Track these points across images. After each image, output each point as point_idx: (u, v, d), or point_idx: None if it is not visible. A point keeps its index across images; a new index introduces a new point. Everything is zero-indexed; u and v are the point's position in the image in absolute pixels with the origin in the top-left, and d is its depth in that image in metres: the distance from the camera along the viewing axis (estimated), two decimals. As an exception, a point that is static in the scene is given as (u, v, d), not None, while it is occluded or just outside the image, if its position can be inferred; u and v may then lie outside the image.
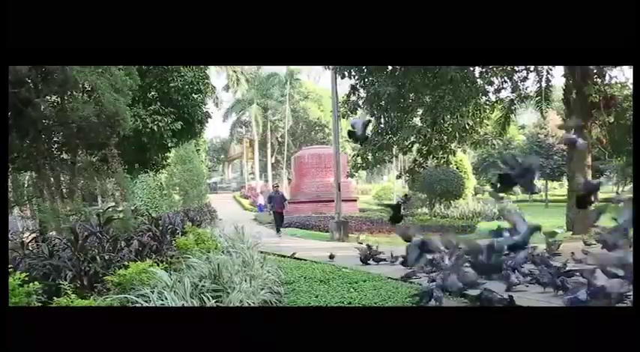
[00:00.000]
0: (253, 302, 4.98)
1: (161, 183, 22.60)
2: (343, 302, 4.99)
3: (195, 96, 8.71)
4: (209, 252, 5.79)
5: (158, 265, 5.43)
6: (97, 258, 5.09)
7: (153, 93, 8.09)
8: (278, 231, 15.39)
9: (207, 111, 10.07)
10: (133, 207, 17.66)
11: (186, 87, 8.25)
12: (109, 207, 6.42)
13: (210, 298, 4.64)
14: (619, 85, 12.71)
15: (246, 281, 5.57)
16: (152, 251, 5.92)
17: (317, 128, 40.68)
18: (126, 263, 5.30)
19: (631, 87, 16.31)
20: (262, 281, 5.92)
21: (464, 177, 25.00)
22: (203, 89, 8.93)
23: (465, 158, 27.40)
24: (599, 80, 12.01)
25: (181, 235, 6.53)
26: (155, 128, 7.80)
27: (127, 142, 7.86)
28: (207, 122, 10.15)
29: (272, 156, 43.27)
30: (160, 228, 6.24)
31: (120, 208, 6.53)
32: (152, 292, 4.33)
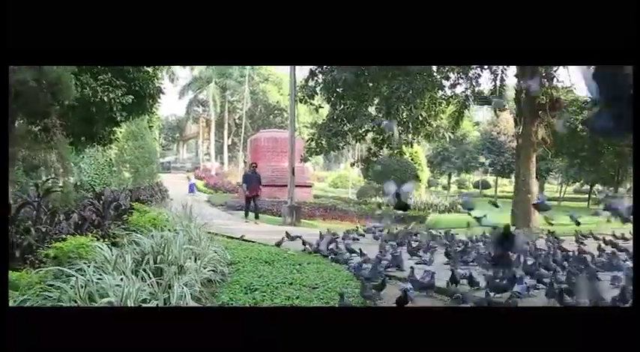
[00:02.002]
0: (196, 280, 4.97)
1: (111, 159, 21.83)
2: (285, 283, 5.06)
3: (147, 68, 8.42)
4: (155, 230, 5.69)
5: (99, 240, 5.31)
6: (32, 229, 4.91)
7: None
8: (257, 217, 14.20)
9: (159, 87, 9.73)
10: (78, 182, 17.04)
11: (138, 58, 7.95)
12: (48, 179, 6.17)
13: (152, 275, 4.58)
14: (565, 89, 13.30)
15: (191, 259, 5.54)
16: (93, 225, 5.76)
17: (276, 112, 40.41)
18: (64, 236, 5.15)
19: (575, 92, 17.18)
20: (208, 259, 5.91)
21: (418, 169, 25.60)
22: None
23: (419, 150, 28.00)
24: (546, 83, 12.52)
25: (128, 212, 6.38)
26: (105, 99, 7.48)
27: (73, 113, 7.52)
28: (159, 97, 9.81)
29: (229, 137, 42.65)
30: (102, 202, 6.06)
31: (61, 181, 6.28)
32: (89, 266, 4.23)
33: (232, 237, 9.02)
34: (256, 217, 14.27)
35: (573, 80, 17.34)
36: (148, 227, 5.64)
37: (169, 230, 6.23)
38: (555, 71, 13.48)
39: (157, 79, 9.74)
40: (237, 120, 41.95)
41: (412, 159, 25.28)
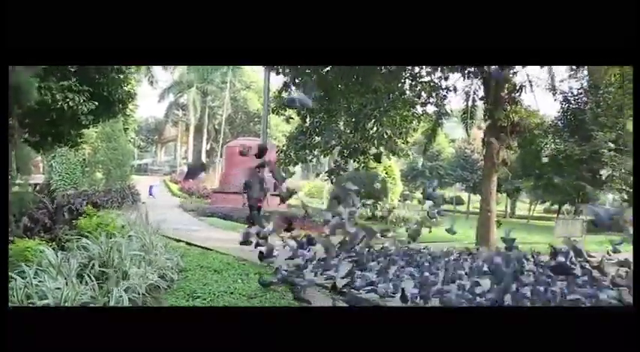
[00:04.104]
0: (140, 286, 5.10)
1: (84, 159, 21.66)
2: (227, 292, 5.24)
3: (115, 75, 8.51)
4: (104, 235, 5.80)
5: (48, 243, 5.41)
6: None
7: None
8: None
9: (130, 91, 9.84)
10: (47, 182, 16.81)
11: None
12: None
13: (94, 278, 4.71)
14: (527, 113, 13.81)
15: (139, 265, 5.66)
16: (44, 229, 5.85)
17: (256, 119, 40.45)
18: (12, 239, 5.23)
19: (540, 116, 17.79)
20: (159, 267, 6.03)
21: (391, 183, 26.00)
22: (124, 69, 8.74)
23: (393, 164, 28.40)
24: (509, 107, 13.00)
25: (81, 216, 6.47)
26: (65, 106, 7.51)
27: (37, 114, 7.60)
28: (129, 102, 9.94)
29: (208, 142, 42.53)
30: (55, 206, 6.15)
31: (17, 180, 6.34)
32: (30, 269, 4.35)
33: (191, 244, 9.13)
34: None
35: (540, 104, 17.96)
36: (95, 233, 5.75)
37: (122, 236, 6.35)
38: (519, 95, 14.00)
39: (127, 83, 9.82)
40: (216, 126, 41.88)
41: (386, 173, 25.70)
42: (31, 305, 4.05)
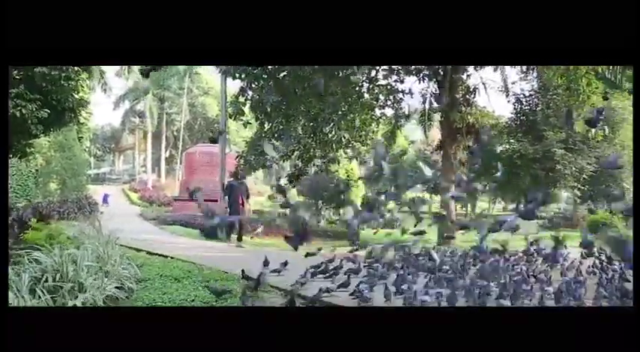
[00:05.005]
0: (97, 297, 4.99)
1: (36, 170, 20.85)
2: (187, 300, 5.19)
3: (65, 83, 8.24)
4: (57, 247, 5.63)
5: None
6: None
7: (15, 71, 7.48)
8: (240, 238, 11.64)
9: (81, 99, 9.56)
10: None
11: (53, 73, 7.76)
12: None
13: (46, 293, 4.58)
14: (481, 114, 14.29)
15: (96, 277, 5.52)
16: (-9, 243, 5.61)
17: (215, 125, 40.03)
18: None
19: (494, 117, 18.44)
20: (116, 277, 5.90)
21: (352, 185, 26.31)
22: (74, 77, 8.48)
23: (355, 167, 28.75)
24: (463, 108, 13.43)
25: (29, 230, 6.25)
26: (17, 114, 7.25)
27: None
28: (80, 110, 9.66)
29: (166, 150, 41.72)
30: None
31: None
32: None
33: (151, 253, 8.95)
34: (239, 239, 11.81)
35: (495, 105, 18.71)
36: (46, 245, 5.59)
37: (77, 247, 6.18)
38: (473, 97, 14.49)
39: (78, 91, 9.52)
40: (175, 133, 41.16)
41: (348, 176, 25.99)
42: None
